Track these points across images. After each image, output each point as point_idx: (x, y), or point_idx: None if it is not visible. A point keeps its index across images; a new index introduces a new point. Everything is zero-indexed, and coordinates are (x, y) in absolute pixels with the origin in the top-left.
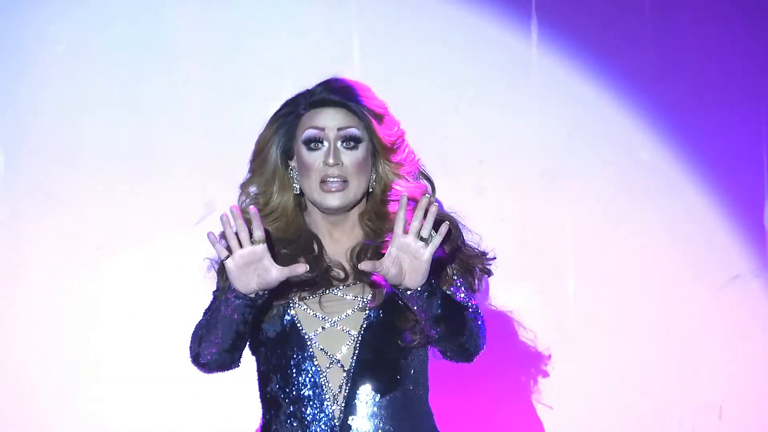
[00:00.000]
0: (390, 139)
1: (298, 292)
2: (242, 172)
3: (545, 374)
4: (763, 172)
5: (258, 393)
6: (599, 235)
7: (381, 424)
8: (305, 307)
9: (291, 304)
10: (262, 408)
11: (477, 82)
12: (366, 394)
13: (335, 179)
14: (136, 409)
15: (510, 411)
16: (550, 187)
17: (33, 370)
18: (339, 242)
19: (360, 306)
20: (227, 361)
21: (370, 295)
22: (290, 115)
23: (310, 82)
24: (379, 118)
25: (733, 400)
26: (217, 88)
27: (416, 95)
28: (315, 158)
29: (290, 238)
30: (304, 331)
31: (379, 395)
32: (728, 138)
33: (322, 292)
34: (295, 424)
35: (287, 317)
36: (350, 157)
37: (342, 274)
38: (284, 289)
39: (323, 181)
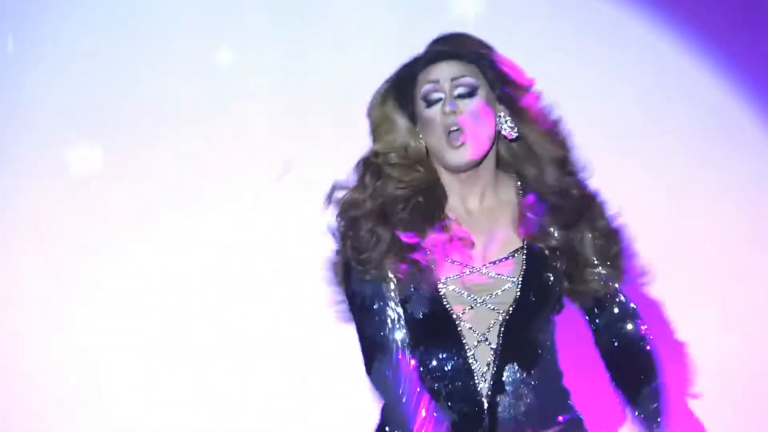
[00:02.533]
0: (513, 84)
1: (442, 270)
2: (318, 127)
3: None
4: None
5: None
6: (686, 187)
7: (514, 404)
8: (451, 285)
9: (438, 283)
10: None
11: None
12: (513, 371)
13: (456, 130)
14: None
15: None
16: (626, 146)
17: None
18: (477, 204)
19: (509, 285)
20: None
21: (516, 276)
22: (407, 77)
23: (388, 31)
24: (498, 63)
25: None
26: (294, 40)
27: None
28: (434, 112)
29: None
30: (451, 311)
31: (524, 370)
32: None
33: (467, 269)
34: (444, 402)
35: (434, 297)
36: (469, 105)
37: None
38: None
39: (448, 134)
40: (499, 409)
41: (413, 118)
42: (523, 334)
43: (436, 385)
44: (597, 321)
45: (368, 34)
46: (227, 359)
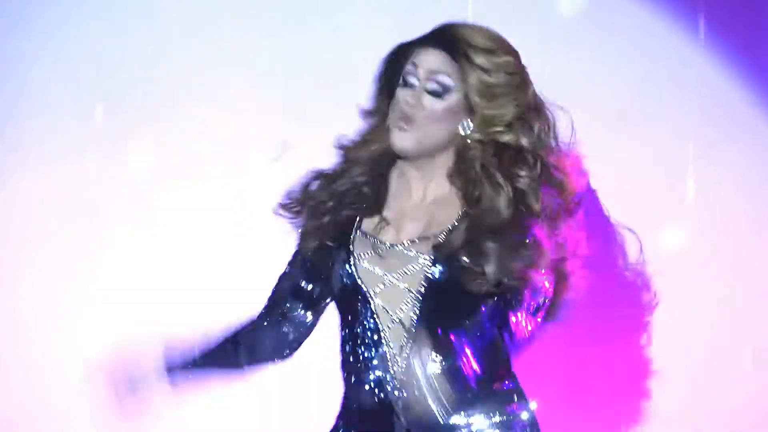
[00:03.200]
0: (492, 107)
1: (359, 247)
2: (316, 108)
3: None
4: None
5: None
6: (675, 174)
7: (446, 386)
8: (366, 262)
9: (351, 259)
10: (340, 361)
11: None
12: (428, 354)
13: (405, 118)
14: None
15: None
16: (626, 129)
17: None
18: (425, 192)
19: (422, 263)
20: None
21: (431, 256)
22: (403, 51)
23: (385, 22)
24: (487, 70)
25: None
26: (293, 24)
27: None
28: (402, 94)
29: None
30: (365, 289)
31: (441, 355)
32: None
33: (383, 248)
34: (362, 382)
35: (348, 272)
36: (433, 104)
37: (393, 231)
38: (343, 241)
39: (396, 117)
40: (409, 392)
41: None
42: (440, 316)
43: (357, 365)
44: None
45: (367, 19)
46: None
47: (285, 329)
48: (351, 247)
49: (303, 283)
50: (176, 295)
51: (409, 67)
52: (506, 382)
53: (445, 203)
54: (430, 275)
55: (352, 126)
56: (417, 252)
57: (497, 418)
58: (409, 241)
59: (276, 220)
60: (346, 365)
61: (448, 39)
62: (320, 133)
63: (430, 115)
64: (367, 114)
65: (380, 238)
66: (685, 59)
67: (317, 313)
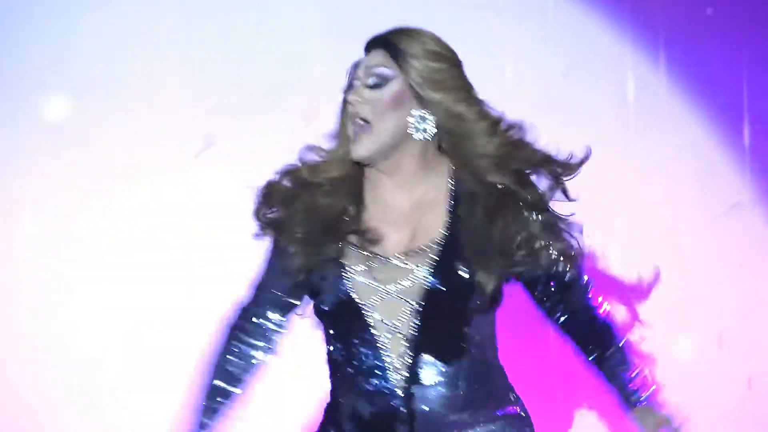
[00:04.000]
0: (434, 76)
1: (351, 261)
2: (244, 104)
3: None
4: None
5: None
6: (598, 164)
7: (447, 393)
8: (360, 276)
9: (345, 274)
10: (329, 372)
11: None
12: (429, 362)
13: (356, 120)
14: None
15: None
16: (548, 120)
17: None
18: (402, 197)
19: (418, 275)
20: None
21: (429, 268)
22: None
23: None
24: (427, 56)
25: (732, 328)
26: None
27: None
28: (347, 98)
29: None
30: (360, 302)
31: (441, 363)
32: (732, 69)
33: (377, 260)
34: (359, 394)
35: (343, 287)
36: (374, 95)
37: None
38: (333, 256)
39: (351, 124)
40: (416, 401)
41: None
42: (440, 326)
43: (353, 378)
44: (545, 297)
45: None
46: None
47: (267, 334)
48: (343, 261)
49: (284, 296)
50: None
51: (350, 73)
52: (509, 404)
53: (426, 207)
54: (427, 286)
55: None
56: (412, 264)
57: (495, 426)
58: (402, 254)
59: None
60: (338, 377)
61: (384, 38)
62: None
63: (375, 108)
64: (333, 135)
65: (371, 250)
66: (606, 51)
67: (289, 316)
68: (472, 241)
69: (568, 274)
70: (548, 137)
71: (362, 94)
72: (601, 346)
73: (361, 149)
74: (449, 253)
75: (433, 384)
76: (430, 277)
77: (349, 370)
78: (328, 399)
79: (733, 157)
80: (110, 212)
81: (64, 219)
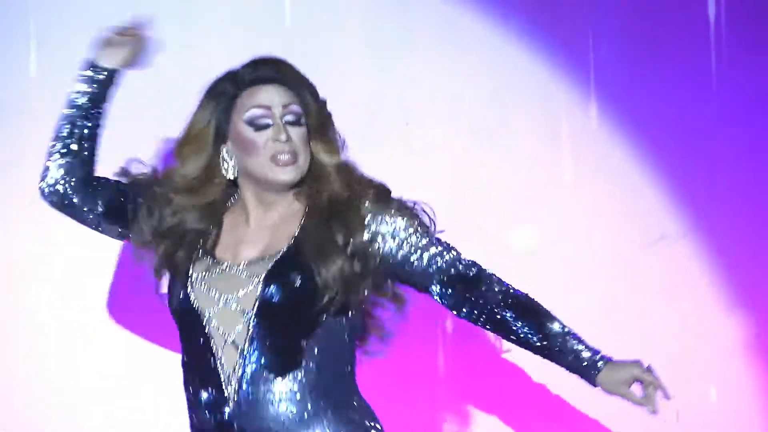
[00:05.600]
0: (323, 115)
1: (196, 266)
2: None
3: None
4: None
5: None
6: (527, 193)
7: (281, 407)
8: (201, 283)
9: (189, 280)
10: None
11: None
12: (262, 375)
13: (287, 154)
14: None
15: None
16: (480, 147)
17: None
18: (267, 218)
19: (255, 284)
20: (75, 174)
21: (264, 274)
22: (223, 97)
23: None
24: (314, 94)
25: (659, 358)
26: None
27: (342, 56)
28: (263, 137)
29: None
30: (198, 309)
31: (275, 376)
32: (660, 97)
33: (220, 268)
34: (198, 401)
35: (182, 293)
36: (297, 133)
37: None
38: (183, 261)
39: (274, 157)
40: (244, 414)
41: (222, 136)
42: (274, 338)
43: (193, 383)
44: (456, 297)
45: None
46: None
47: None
48: (191, 267)
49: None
50: None
51: (256, 111)
52: (352, 411)
53: (282, 226)
54: (264, 297)
55: None
56: (250, 274)
57: None
58: (245, 263)
59: None
60: (185, 383)
61: (280, 73)
62: None
63: (302, 143)
64: (195, 159)
65: (219, 258)
66: (532, 78)
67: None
68: (313, 246)
69: (455, 268)
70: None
71: (288, 132)
72: (537, 326)
73: (291, 176)
74: (285, 262)
75: (266, 399)
76: (263, 287)
77: (191, 376)
78: None
79: (661, 188)
80: None
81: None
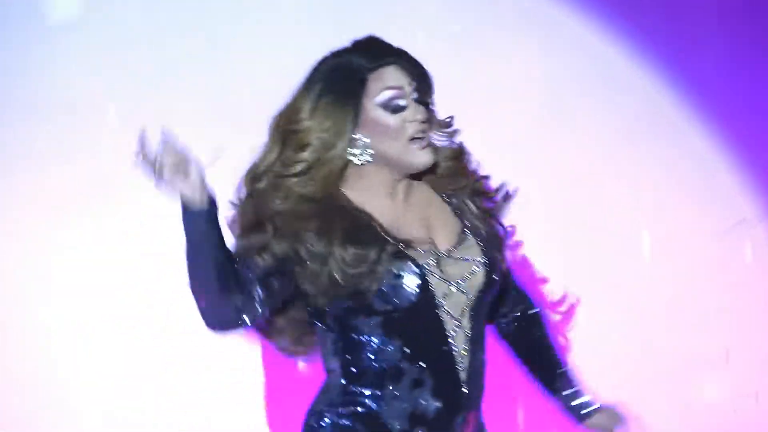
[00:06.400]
0: (433, 90)
1: (420, 259)
2: (249, 114)
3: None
4: None
5: (338, 369)
6: (599, 179)
7: (479, 384)
8: (431, 275)
9: (418, 272)
10: (353, 383)
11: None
12: (479, 356)
13: (424, 135)
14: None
15: None
16: (551, 131)
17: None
18: (413, 201)
19: (475, 267)
20: (227, 308)
21: (481, 258)
22: (349, 82)
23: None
24: (425, 69)
25: (738, 346)
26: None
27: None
28: (401, 118)
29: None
30: (435, 299)
31: (483, 356)
32: (735, 81)
33: (439, 257)
34: (421, 392)
35: (418, 282)
36: (424, 114)
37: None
38: (395, 254)
39: (412, 140)
40: (473, 394)
41: (355, 120)
42: (482, 318)
43: (420, 373)
44: (502, 309)
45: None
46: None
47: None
48: (415, 259)
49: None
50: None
51: (390, 93)
52: None
53: (431, 207)
54: (488, 277)
55: None
56: (469, 257)
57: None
58: (454, 247)
59: None
60: (387, 378)
61: (404, 58)
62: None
63: (430, 123)
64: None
65: (427, 248)
66: (608, 62)
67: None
68: (474, 226)
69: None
70: (550, 147)
71: (421, 112)
72: (549, 368)
73: (430, 159)
74: (486, 243)
75: (480, 375)
76: (487, 267)
77: (416, 371)
78: (361, 410)
79: (737, 171)
80: (116, 221)
81: (65, 227)
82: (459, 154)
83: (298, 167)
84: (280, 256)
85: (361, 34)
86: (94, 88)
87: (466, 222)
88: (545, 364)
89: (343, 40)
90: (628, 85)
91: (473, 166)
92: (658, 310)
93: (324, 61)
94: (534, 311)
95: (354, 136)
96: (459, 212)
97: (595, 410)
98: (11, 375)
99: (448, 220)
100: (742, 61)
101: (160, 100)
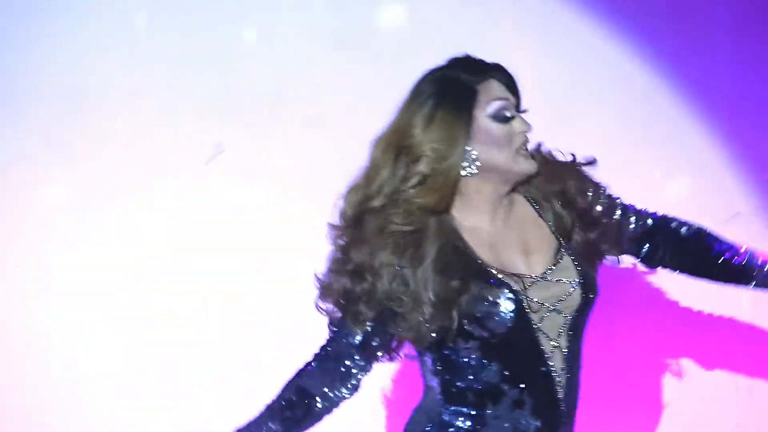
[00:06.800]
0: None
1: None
2: (252, 112)
3: None
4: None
5: (437, 387)
6: (600, 174)
7: (575, 399)
8: (525, 298)
9: (514, 298)
10: (452, 403)
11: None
12: (576, 374)
13: (528, 145)
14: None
15: None
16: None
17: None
18: (513, 215)
19: (571, 288)
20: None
21: (577, 278)
22: (462, 94)
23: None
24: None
25: (733, 339)
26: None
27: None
28: (510, 128)
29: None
30: (533, 322)
31: (579, 373)
32: (734, 79)
33: (533, 281)
34: (522, 412)
35: (513, 308)
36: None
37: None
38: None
39: (518, 149)
40: (571, 410)
41: (468, 131)
42: (580, 335)
43: (520, 393)
44: (655, 246)
45: (300, 22)
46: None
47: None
48: (511, 286)
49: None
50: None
51: (500, 104)
52: None
53: (528, 222)
54: (584, 296)
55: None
56: (563, 277)
57: None
58: (549, 269)
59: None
60: (487, 403)
61: (502, 71)
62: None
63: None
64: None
65: (519, 272)
66: (609, 62)
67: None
68: (569, 238)
69: (633, 217)
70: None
71: (526, 122)
72: (718, 251)
73: (534, 167)
74: (579, 259)
75: (577, 393)
76: (580, 287)
77: (516, 392)
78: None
79: (734, 165)
80: (119, 219)
81: (70, 226)
82: (547, 159)
83: (416, 179)
84: (381, 298)
85: (362, 36)
86: (94, 88)
87: (561, 240)
88: (722, 265)
89: (345, 41)
90: (628, 84)
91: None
92: (658, 309)
93: (429, 77)
94: (661, 223)
95: (466, 147)
96: (555, 227)
97: None
98: (11, 375)
99: (545, 239)
100: (741, 60)
101: (160, 100)
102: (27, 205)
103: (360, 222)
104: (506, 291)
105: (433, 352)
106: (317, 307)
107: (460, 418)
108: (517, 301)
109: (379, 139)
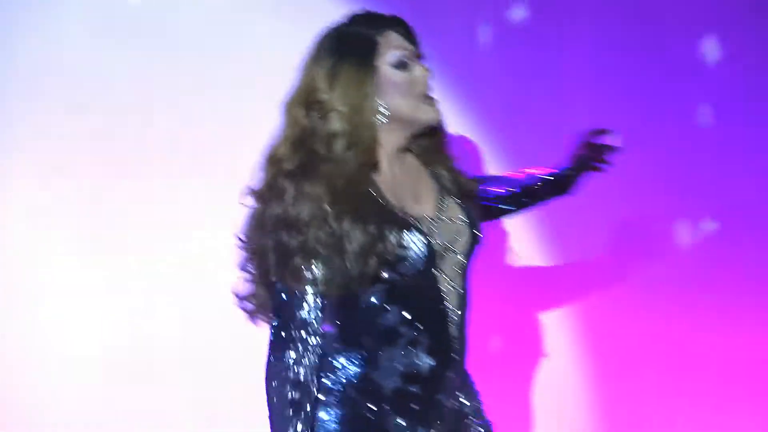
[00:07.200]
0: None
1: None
2: (249, 112)
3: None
4: None
5: (334, 341)
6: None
7: (465, 338)
8: (432, 239)
9: (421, 240)
10: (353, 350)
11: None
12: (466, 316)
13: (431, 92)
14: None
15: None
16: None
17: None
18: (408, 164)
19: (467, 230)
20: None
21: (463, 217)
22: (363, 45)
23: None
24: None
25: (733, 339)
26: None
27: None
28: (407, 76)
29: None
30: (436, 263)
31: (468, 310)
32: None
33: (433, 223)
34: (417, 352)
35: (423, 250)
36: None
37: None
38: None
39: (421, 96)
40: (462, 348)
41: (374, 81)
42: (468, 275)
43: (417, 334)
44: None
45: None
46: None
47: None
48: (420, 228)
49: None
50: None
51: (398, 53)
52: None
53: (413, 169)
54: (474, 240)
55: None
56: (457, 220)
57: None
58: (443, 212)
59: None
60: (387, 343)
61: (400, 23)
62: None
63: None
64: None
65: (419, 215)
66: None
67: None
68: (458, 189)
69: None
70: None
71: (426, 69)
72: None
73: (438, 115)
74: (465, 202)
75: (465, 334)
76: (472, 231)
77: (413, 332)
78: (351, 375)
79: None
80: (115, 214)
81: (66, 222)
82: (439, 130)
83: (340, 141)
84: (313, 247)
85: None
86: (94, 88)
87: (442, 185)
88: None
89: None
90: (628, 85)
91: (450, 146)
92: (657, 309)
93: (328, 34)
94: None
95: (375, 98)
96: (435, 178)
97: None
98: (11, 375)
99: (429, 185)
100: (740, 61)
101: (161, 100)
102: (27, 204)
103: (279, 184)
104: (417, 234)
105: (335, 299)
106: (239, 300)
107: (353, 362)
108: (427, 244)
109: (288, 103)
